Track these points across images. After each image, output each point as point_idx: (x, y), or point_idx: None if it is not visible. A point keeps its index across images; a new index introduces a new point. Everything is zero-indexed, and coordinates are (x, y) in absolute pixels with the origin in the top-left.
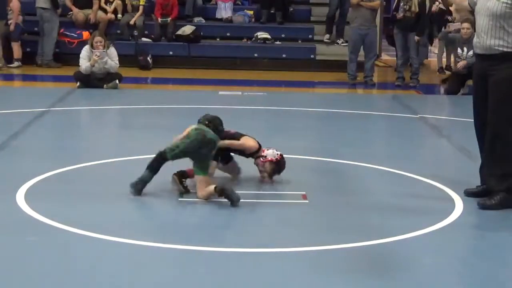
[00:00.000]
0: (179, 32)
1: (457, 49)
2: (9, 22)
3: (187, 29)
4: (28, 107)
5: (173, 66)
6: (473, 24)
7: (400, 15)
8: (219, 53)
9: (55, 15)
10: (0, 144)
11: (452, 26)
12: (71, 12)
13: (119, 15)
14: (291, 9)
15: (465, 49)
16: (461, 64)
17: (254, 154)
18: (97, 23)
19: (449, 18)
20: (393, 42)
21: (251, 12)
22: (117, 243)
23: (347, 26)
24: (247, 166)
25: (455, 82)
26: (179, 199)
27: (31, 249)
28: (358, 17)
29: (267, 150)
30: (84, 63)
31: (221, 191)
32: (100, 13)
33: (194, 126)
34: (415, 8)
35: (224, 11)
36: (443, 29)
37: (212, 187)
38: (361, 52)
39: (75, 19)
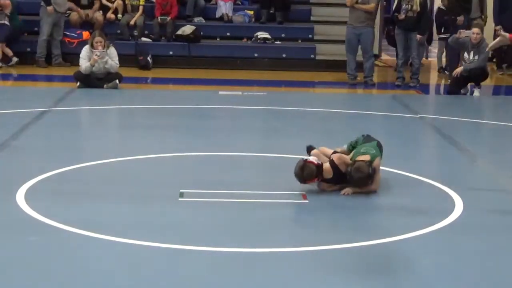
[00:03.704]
0: (179, 32)
1: (464, 53)
2: None
3: (187, 29)
4: (28, 107)
5: (173, 66)
6: (482, 29)
7: (402, 16)
8: (219, 53)
9: (46, 12)
10: (0, 144)
11: (463, 33)
12: (69, 12)
13: (119, 15)
14: (289, 12)
15: (471, 53)
16: (458, 70)
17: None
18: (93, 23)
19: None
20: (393, 42)
21: (251, 12)
22: (117, 243)
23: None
24: (246, 164)
25: (456, 83)
26: (179, 199)
27: (31, 249)
28: (354, 17)
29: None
30: (84, 63)
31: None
32: (97, 13)
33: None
34: (416, 7)
35: (224, 11)
36: (440, 31)
37: None
38: (360, 52)
39: (70, 19)
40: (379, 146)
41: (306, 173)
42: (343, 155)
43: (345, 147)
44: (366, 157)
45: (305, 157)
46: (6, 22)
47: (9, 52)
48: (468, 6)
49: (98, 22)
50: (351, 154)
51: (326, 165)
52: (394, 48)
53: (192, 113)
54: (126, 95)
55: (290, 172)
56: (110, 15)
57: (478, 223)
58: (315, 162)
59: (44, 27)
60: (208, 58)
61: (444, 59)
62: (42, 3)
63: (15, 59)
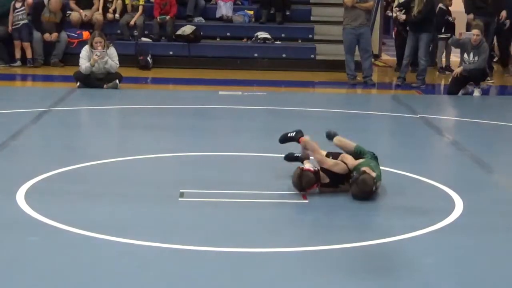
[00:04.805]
0: (179, 32)
1: (464, 54)
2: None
3: (187, 29)
4: (28, 107)
5: (173, 66)
6: (482, 30)
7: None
8: (219, 53)
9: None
10: (0, 144)
11: (463, 34)
12: (69, 12)
13: (117, 15)
14: (288, 13)
15: (471, 54)
16: (458, 70)
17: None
18: (93, 23)
19: (449, 18)
20: (402, 42)
21: (251, 12)
22: (117, 243)
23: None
24: (246, 164)
25: (455, 83)
26: (179, 199)
27: (31, 249)
28: (352, 18)
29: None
30: (84, 63)
31: None
32: (96, 14)
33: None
34: (419, 12)
35: (224, 11)
36: (441, 31)
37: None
38: (357, 52)
39: (70, 19)
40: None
41: (305, 181)
42: (325, 158)
43: (353, 145)
44: (373, 174)
45: (300, 166)
46: (27, 21)
47: (29, 53)
48: (483, 5)
49: (98, 22)
50: (359, 161)
51: (321, 172)
52: (394, 48)
53: (192, 113)
54: (126, 95)
55: (290, 172)
56: (109, 15)
57: (478, 223)
58: (312, 169)
59: (35, 34)
60: (208, 58)
61: (444, 59)
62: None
63: (29, 64)
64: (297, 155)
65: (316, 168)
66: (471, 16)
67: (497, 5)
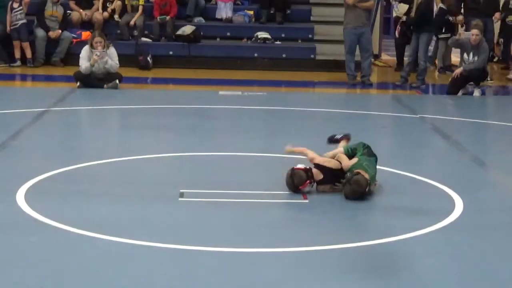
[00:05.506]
0: (179, 32)
1: (463, 54)
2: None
3: (187, 29)
4: (28, 107)
5: (173, 66)
6: (481, 30)
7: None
8: (219, 53)
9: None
10: (0, 144)
11: (463, 34)
12: (69, 12)
13: (116, 16)
14: (288, 11)
15: (471, 54)
16: (457, 71)
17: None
18: (93, 23)
19: (450, 18)
20: (401, 42)
21: (251, 12)
22: (117, 243)
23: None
24: (246, 164)
25: (455, 83)
26: (179, 199)
27: (31, 249)
28: (353, 18)
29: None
30: (84, 63)
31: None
32: (96, 14)
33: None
34: (415, 11)
35: (224, 11)
36: (441, 31)
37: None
38: (358, 52)
39: (71, 19)
40: (376, 161)
41: (297, 179)
42: (316, 155)
43: (341, 149)
44: (366, 176)
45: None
46: (25, 21)
47: (29, 53)
48: (475, 6)
49: (98, 22)
50: (353, 161)
51: (314, 169)
52: (394, 48)
53: (192, 113)
54: (126, 95)
55: None
56: (105, 14)
57: (478, 223)
58: (303, 167)
59: (38, 33)
60: (208, 58)
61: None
62: (36, 23)
63: (29, 64)
64: (338, 137)
65: (307, 167)
66: (461, 17)
67: (490, 6)
